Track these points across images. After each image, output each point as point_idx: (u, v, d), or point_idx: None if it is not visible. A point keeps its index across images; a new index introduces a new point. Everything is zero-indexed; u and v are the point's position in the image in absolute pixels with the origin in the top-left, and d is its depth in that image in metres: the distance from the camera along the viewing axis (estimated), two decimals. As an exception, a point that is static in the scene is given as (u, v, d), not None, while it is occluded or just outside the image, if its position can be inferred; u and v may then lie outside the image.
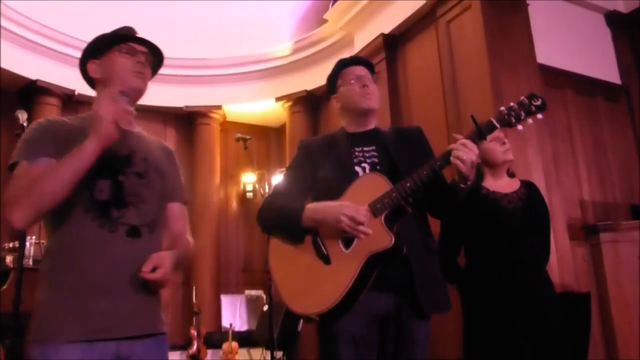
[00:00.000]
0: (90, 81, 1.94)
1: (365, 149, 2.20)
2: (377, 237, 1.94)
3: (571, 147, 5.35)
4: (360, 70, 2.29)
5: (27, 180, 1.63)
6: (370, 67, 2.35)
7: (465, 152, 1.90)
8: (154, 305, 1.77)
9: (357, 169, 2.15)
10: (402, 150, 2.19)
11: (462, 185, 1.98)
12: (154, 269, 1.65)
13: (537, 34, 5.03)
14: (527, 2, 5.08)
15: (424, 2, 5.42)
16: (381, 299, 1.99)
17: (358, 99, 2.23)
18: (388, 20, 5.97)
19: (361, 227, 1.92)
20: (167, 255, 1.73)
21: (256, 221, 2.24)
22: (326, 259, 2.00)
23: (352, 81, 2.26)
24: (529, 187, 2.84)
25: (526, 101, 1.96)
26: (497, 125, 1.96)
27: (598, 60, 5.91)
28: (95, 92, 1.94)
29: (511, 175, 2.86)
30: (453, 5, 5.09)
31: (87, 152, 1.60)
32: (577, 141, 5.41)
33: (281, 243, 2.12)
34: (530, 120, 1.97)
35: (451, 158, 1.92)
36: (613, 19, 6.06)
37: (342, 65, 2.34)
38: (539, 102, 1.95)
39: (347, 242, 1.99)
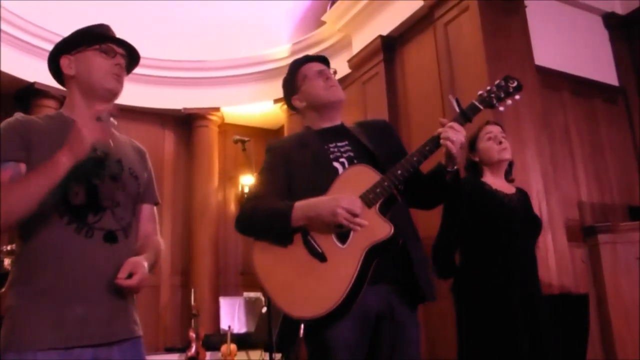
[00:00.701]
0: (58, 75, 1.90)
1: (339, 144, 2.14)
2: (375, 227, 1.89)
3: (569, 149, 5.36)
4: (319, 65, 2.25)
5: None
6: (326, 62, 2.31)
7: (455, 134, 1.94)
8: (129, 310, 1.75)
9: (336, 164, 2.08)
10: (376, 143, 2.15)
11: (448, 169, 2.00)
12: (129, 275, 1.63)
13: (534, 35, 5.04)
14: (525, 3, 5.08)
15: (421, 4, 5.43)
16: (373, 294, 1.92)
17: (324, 93, 2.19)
18: (386, 22, 5.98)
19: (357, 219, 1.86)
20: (140, 260, 1.69)
21: (236, 229, 2.11)
22: (322, 257, 1.90)
23: (314, 76, 2.21)
24: (524, 194, 2.89)
25: (503, 83, 2.07)
26: (480, 106, 2.03)
27: (596, 62, 5.92)
28: (65, 88, 1.89)
29: (510, 180, 2.89)
30: (451, 7, 5.09)
31: (60, 167, 1.55)
32: (575, 143, 5.42)
33: (267, 248, 1.99)
34: (509, 101, 2.07)
35: (441, 140, 1.95)
36: (610, 20, 6.07)
37: (299, 64, 2.29)
38: (515, 84, 2.07)
39: (342, 237, 1.91)
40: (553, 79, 5.43)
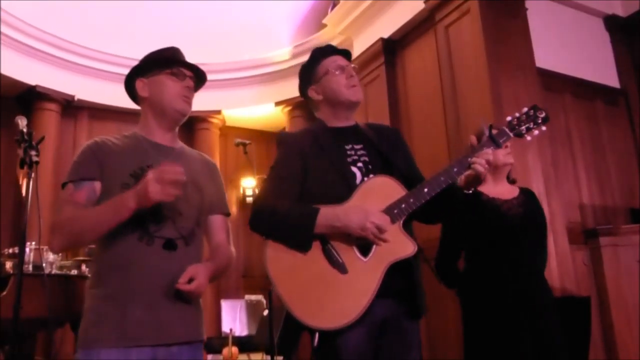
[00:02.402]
0: (134, 96, 2.04)
1: (356, 147, 2.09)
2: (399, 244, 1.88)
3: (570, 151, 5.35)
4: (343, 60, 2.18)
5: (71, 209, 1.79)
6: (349, 56, 2.24)
7: (489, 162, 1.93)
8: (190, 315, 1.86)
9: (354, 169, 2.02)
10: (390, 150, 2.11)
11: (465, 191, 1.97)
12: (190, 281, 1.74)
13: (535, 38, 5.04)
14: (526, 5, 5.09)
15: (422, 6, 5.43)
16: (382, 305, 1.91)
17: (346, 91, 2.12)
18: (387, 25, 5.99)
19: (383, 235, 1.84)
20: (204, 267, 1.82)
21: (251, 226, 2.01)
22: (343, 268, 1.86)
23: (337, 72, 2.13)
24: (527, 195, 2.84)
25: (532, 113, 2.04)
26: (511, 134, 2.03)
27: (597, 64, 5.92)
28: (140, 107, 2.04)
29: (512, 182, 2.86)
30: (452, 10, 5.09)
31: (128, 207, 1.70)
32: (577, 145, 5.42)
33: (282, 250, 1.91)
34: (536, 132, 2.05)
35: (475, 165, 1.91)
36: (612, 23, 6.07)
37: (323, 54, 2.21)
38: (543, 115, 2.04)
39: (364, 250, 1.88)
40: (554, 81, 5.43)
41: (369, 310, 1.85)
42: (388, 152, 2.09)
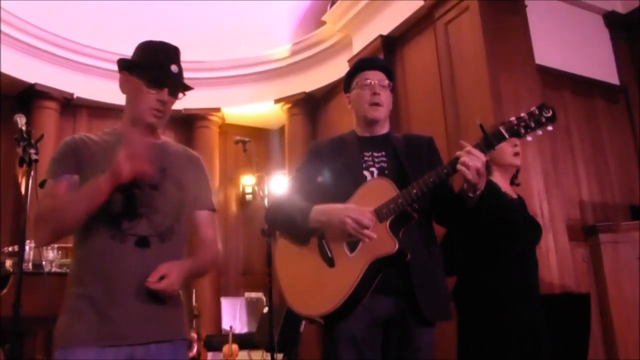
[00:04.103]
0: None
1: (375, 154, 2.20)
2: (382, 242, 1.94)
3: (570, 148, 5.36)
4: (375, 75, 2.25)
5: (51, 200, 1.75)
6: (387, 71, 2.31)
7: (471, 159, 1.87)
8: (169, 312, 1.81)
9: (366, 173, 2.15)
10: (412, 158, 2.18)
11: (470, 195, 1.96)
12: (161, 279, 1.71)
13: (535, 35, 5.04)
14: (525, 3, 5.08)
15: (421, 3, 5.43)
16: (384, 302, 2.00)
17: (365, 108, 2.23)
18: (386, 22, 5.98)
19: (366, 231, 1.92)
20: (178, 265, 1.77)
21: (265, 222, 2.34)
22: (330, 262, 2.02)
23: (364, 87, 2.23)
24: (521, 200, 2.88)
25: (536, 112, 1.92)
26: (506, 135, 1.92)
27: (596, 61, 5.91)
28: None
29: (516, 185, 2.88)
30: (451, 7, 5.09)
31: (103, 188, 1.68)
32: (576, 142, 5.42)
33: (288, 244, 2.15)
34: (540, 132, 1.94)
35: (457, 165, 1.90)
36: (611, 19, 6.07)
37: (360, 67, 2.32)
38: (549, 114, 1.92)
39: (352, 246, 2.00)
40: (554, 78, 5.42)
41: (368, 306, 1.96)
42: (408, 161, 2.16)
